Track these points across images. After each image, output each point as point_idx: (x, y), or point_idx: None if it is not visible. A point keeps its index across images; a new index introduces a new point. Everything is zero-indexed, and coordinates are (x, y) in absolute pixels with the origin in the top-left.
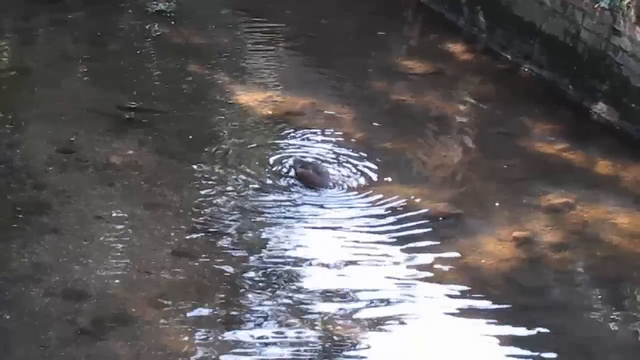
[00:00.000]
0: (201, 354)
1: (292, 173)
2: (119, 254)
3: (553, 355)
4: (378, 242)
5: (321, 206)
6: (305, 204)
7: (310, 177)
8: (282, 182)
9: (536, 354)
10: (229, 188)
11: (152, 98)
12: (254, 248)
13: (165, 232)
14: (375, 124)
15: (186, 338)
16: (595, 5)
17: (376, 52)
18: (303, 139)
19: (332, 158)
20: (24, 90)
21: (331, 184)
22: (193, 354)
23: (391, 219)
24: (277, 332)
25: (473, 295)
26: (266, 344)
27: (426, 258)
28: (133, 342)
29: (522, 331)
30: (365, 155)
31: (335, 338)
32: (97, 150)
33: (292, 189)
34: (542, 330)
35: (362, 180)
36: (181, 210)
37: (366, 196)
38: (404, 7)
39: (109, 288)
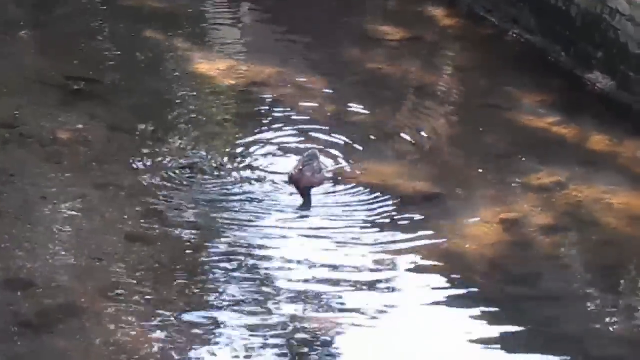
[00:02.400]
0: (157, 349)
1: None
2: (67, 239)
3: (544, 349)
4: (351, 227)
5: (289, 189)
6: (271, 187)
7: (310, 181)
8: (247, 161)
9: (526, 348)
10: (187, 166)
11: (103, 68)
12: (215, 233)
13: (117, 215)
14: (348, 95)
15: (141, 331)
16: None
17: (350, 17)
18: (269, 112)
19: (301, 133)
20: None
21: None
22: (148, 348)
23: (365, 201)
24: (240, 324)
25: (456, 284)
26: (229, 337)
27: (404, 243)
28: (82, 336)
29: (510, 323)
30: (337, 130)
31: (305, 327)
32: (42, 125)
33: (257, 170)
34: (532, 322)
35: (332, 160)
36: (135, 191)
37: (338, 176)
38: None
39: (55, 276)
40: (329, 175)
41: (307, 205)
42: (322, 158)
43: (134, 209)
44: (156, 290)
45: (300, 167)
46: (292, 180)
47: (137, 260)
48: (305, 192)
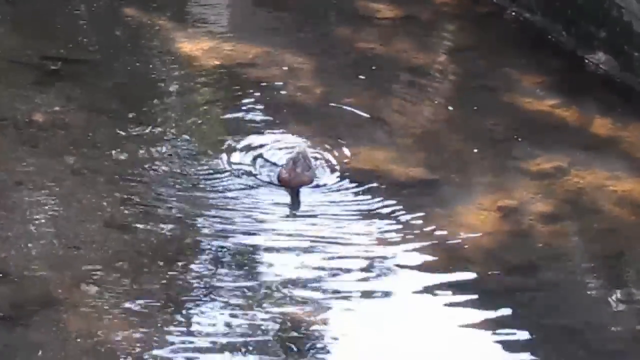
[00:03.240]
0: (137, 342)
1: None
2: (43, 226)
3: (543, 342)
4: (341, 215)
5: (275, 176)
6: (257, 173)
7: (301, 180)
8: (232, 146)
9: (523, 341)
10: (170, 152)
11: (81, 47)
12: (198, 222)
13: (96, 201)
14: (338, 76)
15: (120, 323)
16: None
17: None
18: (255, 94)
19: (289, 116)
20: None
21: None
22: (128, 341)
23: (357, 187)
24: (223, 315)
25: (451, 274)
26: (212, 328)
27: (397, 232)
28: (58, 328)
29: (507, 315)
30: (327, 112)
31: (293, 319)
32: (17, 107)
33: (243, 156)
34: (530, 314)
35: (322, 144)
36: (114, 176)
37: (327, 162)
38: None
39: (31, 266)
40: (319, 170)
41: (296, 205)
42: (310, 145)
43: (113, 195)
44: (136, 281)
45: (291, 167)
46: (282, 180)
47: (116, 249)
48: (295, 192)
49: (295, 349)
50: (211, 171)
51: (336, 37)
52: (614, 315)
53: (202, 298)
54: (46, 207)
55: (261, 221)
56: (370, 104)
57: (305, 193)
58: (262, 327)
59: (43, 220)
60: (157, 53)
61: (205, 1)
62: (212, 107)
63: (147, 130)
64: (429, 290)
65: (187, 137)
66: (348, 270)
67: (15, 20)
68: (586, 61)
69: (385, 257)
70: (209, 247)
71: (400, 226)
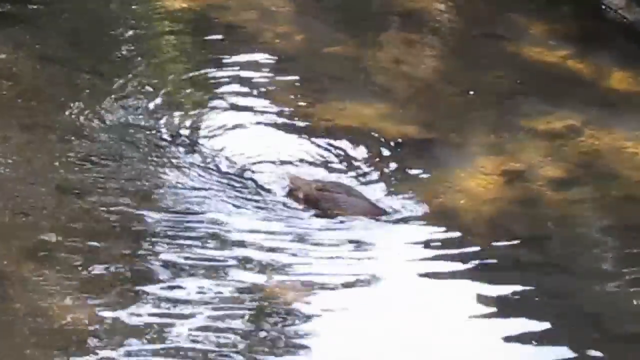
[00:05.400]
0: (92, 319)
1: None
2: None
3: (554, 325)
4: (324, 178)
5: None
6: (228, 132)
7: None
8: (199, 99)
9: (532, 323)
10: (132, 105)
11: None
12: (163, 183)
13: (47, 161)
14: (322, 21)
15: (73, 299)
16: None
17: None
18: (228, 41)
19: (263, 67)
20: None
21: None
22: (83, 320)
23: (343, 148)
24: (188, 289)
25: (450, 247)
26: (176, 304)
27: (389, 198)
28: (5, 305)
29: (513, 294)
30: (309, 62)
31: (267, 298)
32: None
33: (210, 111)
34: (539, 293)
35: (304, 98)
36: (69, 135)
37: (308, 119)
38: None
39: None
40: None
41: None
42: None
43: (67, 155)
44: (92, 251)
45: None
46: (308, 198)
47: (70, 216)
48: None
49: (268, 322)
50: (176, 129)
51: None
52: (633, 294)
53: (165, 270)
54: None
55: (231, 187)
56: (358, 53)
57: (282, 153)
58: (232, 301)
59: None
60: None
61: None
62: (179, 55)
63: (106, 81)
64: (424, 262)
65: (150, 89)
66: (335, 239)
67: None
68: (603, 6)
69: (375, 225)
70: (174, 214)
71: (392, 190)
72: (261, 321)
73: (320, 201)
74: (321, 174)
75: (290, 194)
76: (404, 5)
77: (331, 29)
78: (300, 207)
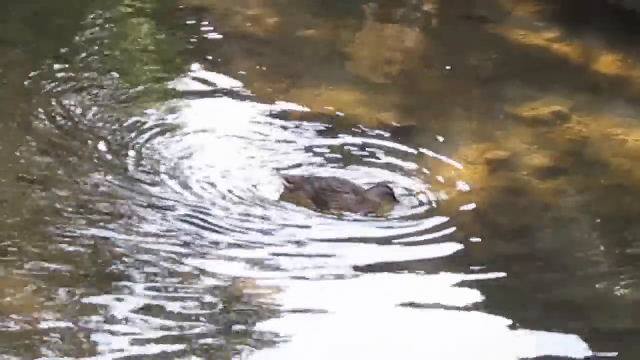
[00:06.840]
0: (53, 316)
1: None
2: None
3: (541, 320)
4: (300, 166)
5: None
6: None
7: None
8: (165, 86)
9: (518, 318)
10: (96, 93)
11: None
12: (126, 174)
13: (8, 150)
14: (295, 3)
15: (34, 294)
16: None
17: None
18: (196, 22)
19: (233, 52)
20: None
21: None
22: (42, 316)
23: (319, 135)
24: (158, 284)
25: (432, 239)
26: (143, 299)
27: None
28: None
29: (499, 288)
30: (282, 47)
31: (241, 294)
32: None
33: (177, 99)
34: (526, 287)
35: (277, 84)
36: (31, 122)
37: (282, 105)
38: None
39: None
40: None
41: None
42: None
43: (29, 144)
44: (55, 244)
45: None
46: (315, 199)
47: (32, 208)
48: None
49: (239, 319)
50: (142, 114)
51: None
52: (623, 287)
53: (133, 262)
54: None
55: (211, 177)
56: (334, 36)
57: (255, 140)
58: (201, 298)
59: None
60: None
61: None
62: (145, 40)
63: (68, 67)
64: (405, 256)
65: (115, 74)
66: (309, 237)
67: None
68: None
69: (350, 220)
70: (143, 204)
71: (370, 180)
72: (234, 316)
73: (327, 201)
74: (293, 159)
75: (289, 194)
76: None
77: (306, 11)
78: (298, 207)
